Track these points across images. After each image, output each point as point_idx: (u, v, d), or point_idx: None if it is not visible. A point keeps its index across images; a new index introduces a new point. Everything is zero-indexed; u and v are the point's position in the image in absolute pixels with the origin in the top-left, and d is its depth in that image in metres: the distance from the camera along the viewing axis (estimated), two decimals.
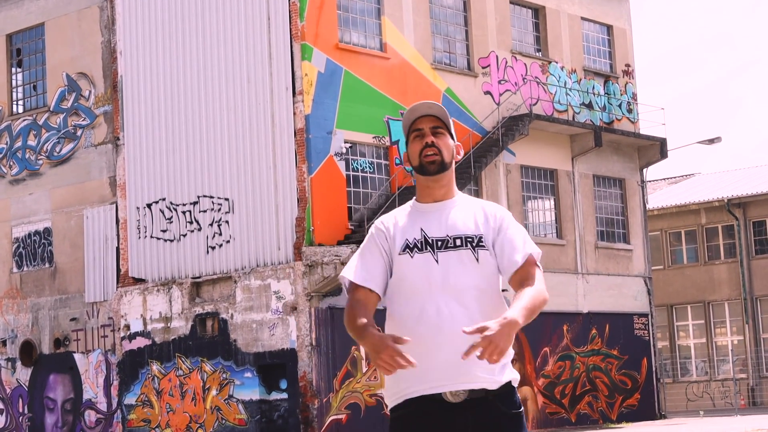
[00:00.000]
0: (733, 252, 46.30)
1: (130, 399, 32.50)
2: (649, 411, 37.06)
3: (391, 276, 5.10)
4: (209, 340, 30.93)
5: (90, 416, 33.52)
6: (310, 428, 28.85)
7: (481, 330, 4.66)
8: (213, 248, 31.24)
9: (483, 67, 34.30)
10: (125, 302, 32.70)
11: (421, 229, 5.06)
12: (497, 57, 34.77)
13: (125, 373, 32.63)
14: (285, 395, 29.50)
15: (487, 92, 34.25)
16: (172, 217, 32.15)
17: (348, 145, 30.46)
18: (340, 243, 29.56)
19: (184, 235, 31.85)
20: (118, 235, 33.21)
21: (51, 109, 35.34)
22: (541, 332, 33.59)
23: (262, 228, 30.32)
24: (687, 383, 46.43)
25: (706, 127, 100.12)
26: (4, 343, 35.61)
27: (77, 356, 33.88)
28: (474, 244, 5.02)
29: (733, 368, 42.10)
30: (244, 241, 30.59)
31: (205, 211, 31.47)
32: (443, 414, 4.96)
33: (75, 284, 34.11)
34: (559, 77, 36.50)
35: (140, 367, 32.31)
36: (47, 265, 34.92)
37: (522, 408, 5.11)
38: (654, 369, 37.65)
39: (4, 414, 35.60)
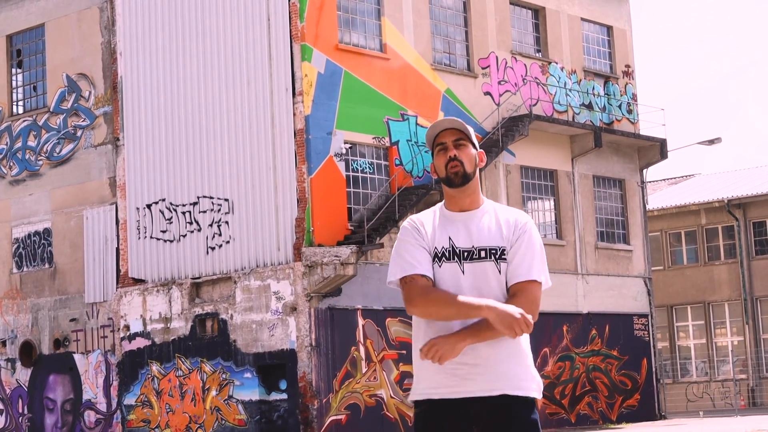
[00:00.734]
0: (733, 253, 46.30)
1: (129, 399, 32.50)
2: (649, 411, 37.06)
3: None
4: (209, 341, 30.93)
5: (90, 417, 33.52)
6: (309, 429, 28.85)
7: (429, 343, 5.09)
8: (213, 249, 31.24)
9: (483, 68, 34.31)
10: (125, 303, 32.70)
11: (450, 238, 5.29)
12: (497, 58, 34.77)
13: (125, 373, 32.63)
14: (285, 396, 29.50)
15: (487, 93, 34.25)
16: (171, 217, 32.15)
17: (348, 145, 30.46)
18: (339, 243, 29.56)
19: (184, 236, 31.86)
20: (117, 236, 33.22)
21: (51, 109, 35.34)
22: (540, 333, 33.58)
23: (261, 228, 30.32)
24: (687, 384, 46.43)
25: (706, 127, 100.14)
26: (4, 343, 35.62)
27: (77, 357, 33.88)
28: (497, 257, 5.25)
29: (733, 369, 42.10)
30: (244, 242, 30.59)
31: (204, 212, 31.47)
32: (459, 407, 5.23)
33: (75, 285, 34.12)
34: (559, 78, 36.50)
35: (140, 367, 32.31)
36: (47, 265, 34.93)
37: (536, 416, 5.27)
38: (654, 369, 37.65)
39: (3, 414, 35.60)
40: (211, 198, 31.36)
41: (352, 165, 30.69)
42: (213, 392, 30.77)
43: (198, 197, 31.66)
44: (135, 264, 32.79)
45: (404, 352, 30.17)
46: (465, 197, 5.36)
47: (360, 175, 30.85)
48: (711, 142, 41.79)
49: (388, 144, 31.30)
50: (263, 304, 29.85)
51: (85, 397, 33.61)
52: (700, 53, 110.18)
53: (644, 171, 38.85)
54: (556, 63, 36.54)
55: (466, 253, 5.24)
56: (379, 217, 30.04)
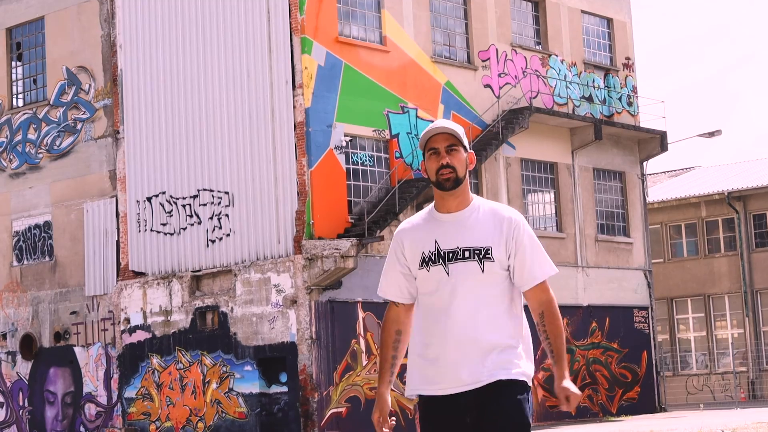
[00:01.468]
0: (733, 245, 46.29)
1: (130, 392, 32.52)
2: (649, 404, 37.08)
3: (415, 282, 5.58)
4: (209, 334, 30.94)
5: (90, 409, 33.55)
6: (310, 421, 28.87)
7: (562, 402, 5.38)
8: (213, 242, 31.24)
9: (483, 60, 34.28)
10: (125, 296, 32.71)
11: (436, 241, 5.48)
12: (497, 50, 34.75)
13: (125, 366, 32.65)
14: (285, 388, 29.52)
15: (487, 85, 34.23)
16: (172, 210, 32.15)
17: (348, 138, 30.45)
18: (340, 236, 29.57)
19: (184, 229, 31.86)
20: (118, 229, 33.22)
21: (51, 102, 35.33)
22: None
23: (262, 221, 30.32)
24: (687, 376, 46.44)
25: (706, 120, 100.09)
26: (5, 336, 35.64)
27: (77, 350, 33.90)
28: (481, 256, 5.42)
29: (733, 361, 42.10)
30: (244, 235, 30.59)
31: (205, 205, 31.47)
32: (450, 400, 5.47)
33: (75, 278, 34.13)
34: (559, 70, 36.48)
35: (140, 360, 32.33)
36: (47, 258, 34.93)
37: (525, 395, 5.45)
38: (654, 362, 37.67)
39: (4, 407, 35.63)
40: (212, 191, 31.36)
41: (352, 158, 30.68)
42: (213, 385, 30.79)
43: (198, 190, 31.65)
44: (135, 257, 32.79)
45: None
46: (453, 199, 5.50)
47: (360, 167, 30.84)
48: (711, 134, 41.76)
49: (388, 137, 31.29)
50: (263, 296, 29.86)
51: (86, 390, 33.64)
52: (700, 46, 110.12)
53: (644, 163, 38.85)
54: (557, 55, 36.52)
55: (450, 254, 5.43)
56: (380, 210, 30.04)
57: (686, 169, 55.40)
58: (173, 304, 31.71)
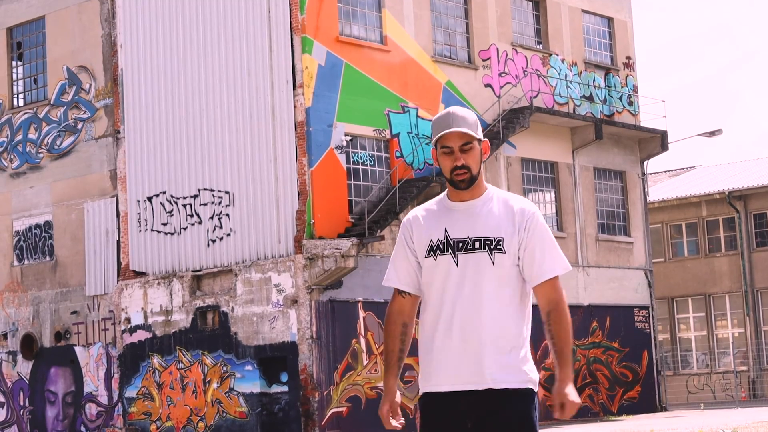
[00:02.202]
0: (733, 244, 46.30)
1: (131, 392, 32.52)
2: (649, 403, 37.08)
3: (421, 273, 5.34)
4: (210, 333, 30.94)
5: (91, 409, 33.55)
6: (310, 421, 28.87)
7: (557, 408, 5.15)
8: (213, 241, 31.24)
9: (483, 60, 34.28)
10: (126, 295, 32.71)
11: (445, 230, 5.24)
12: (498, 49, 34.75)
13: (126, 366, 32.65)
14: (286, 388, 29.52)
15: (488, 85, 34.23)
16: (172, 210, 32.15)
17: (348, 138, 30.44)
18: (340, 236, 29.56)
19: (185, 228, 31.86)
20: (118, 229, 33.22)
21: (51, 102, 35.33)
22: (541, 325, 33.49)
23: (262, 221, 30.32)
24: (688, 376, 46.44)
25: (707, 119, 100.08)
26: (5, 336, 35.64)
27: (78, 349, 33.90)
28: (492, 247, 5.18)
29: (734, 360, 42.11)
30: (245, 234, 30.59)
31: (205, 204, 31.47)
32: (452, 400, 5.25)
33: (76, 277, 34.13)
34: (560, 70, 36.48)
35: (141, 360, 32.33)
36: (48, 258, 34.93)
37: (533, 404, 5.24)
38: (655, 361, 37.66)
39: (5, 407, 35.63)
40: (212, 190, 31.36)
41: (352, 157, 30.68)
42: (214, 385, 30.80)
43: (199, 190, 31.65)
44: (136, 257, 32.79)
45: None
46: (468, 192, 5.29)
47: (361, 167, 30.84)
48: (712, 133, 41.76)
49: (388, 136, 31.28)
50: (264, 296, 29.86)
51: (87, 389, 33.64)
52: (700, 45, 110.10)
53: (645, 163, 38.84)
54: (557, 55, 36.52)
55: (460, 244, 5.20)
56: (380, 210, 30.04)
57: (687, 168, 55.42)
58: (174, 303, 31.71)
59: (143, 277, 32.47)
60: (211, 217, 31.31)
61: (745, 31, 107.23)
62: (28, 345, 35.16)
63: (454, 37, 33.97)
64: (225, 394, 30.56)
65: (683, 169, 55.46)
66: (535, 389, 5.22)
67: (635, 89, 38.88)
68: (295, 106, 29.83)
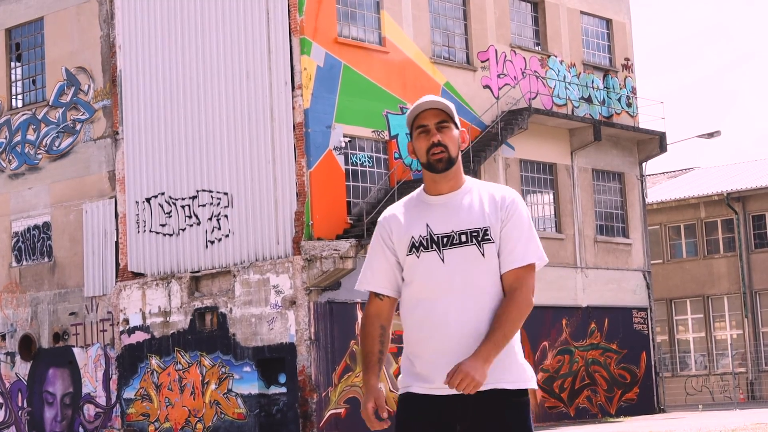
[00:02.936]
0: (732, 246, 46.30)
1: (129, 393, 32.52)
2: (648, 405, 37.08)
3: (402, 272, 5.11)
4: (208, 335, 30.94)
5: (89, 410, 33.54)
6: (309, 422, 28.87)
7: (450, 374, 4.78)
8: (212, 242, 31.25)
9: (482, 61, 34.29)
10: (124, 296, 32.71)
11: (427, 225, 5.00)
12: (496, 51, 34.76)
13: (124, 367, 32.64)
14: (284, 389, 29.52)
15: (486, 86, 34.24)
16: (171, 211, 32.15)
17: (347, 139, 30.45)
18: (339, 237, 29.57)
19: (183, 230, 31.86)
20: (117, 230, 33.22)
21: (50, 103, 35.33)
22: (539, 326, 33.60)
23: (261, 222, 30.33)
24: (686, 377, 46.44)
25: (705, 120, 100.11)
26: (4, 337, 35.63)
27: (76, 350, 33.89)
28: (479, 239, 4.95)
29: (732, 362, 42.11)
30: (243, 236, 30.59)
31: (204, 206, 31.47)
32: (440, 402, 5.00)
33: (74, 278, 34.12)
34: (559, 71, 36.49)
35: (139, 361, 32.33)
36: (46, 259, 34.93)
37: (526, 408, 5.03)
38: (653, 363, 37.67)
39: (3, 408, 35.62)
40: (211, 192, 31.37)
41: (351, 158, 30.69)
42: (212, 386, 30.79)
43: (197, 191, 31.66)
44: (134, 258, 32.80)
45: (403, 345, 30.15)
46: (446, 181, 5.04)
47: (359, 168, 30.85)
48: (710, 135, 41.77)
49: (387, 137, 31.29)
50: (262, 297, 29.87)
51: (85, 390, 33.64)
52: (698, 45, 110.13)
53: (643, 164, 38.85)
54: (556, 56, 36.53)
55: (445, 239, 4.96)
56: (379, 211, 30.03)
57: (685, 169, 55.42)
58: (172, 304, 31.71)
59: (142, 278, 32.47)
60: (210, 219, 31.31)
61: (743, 32, 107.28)
62: (27, 346, 35.15)
63: (453, 38, 33.98)
64: (223, 395, 30.56)
65: (682, 170, 55.47)
66: (534, 386, 5.03)
67: (634, 91, 38.90)
68: (293, 108, 29.84)
